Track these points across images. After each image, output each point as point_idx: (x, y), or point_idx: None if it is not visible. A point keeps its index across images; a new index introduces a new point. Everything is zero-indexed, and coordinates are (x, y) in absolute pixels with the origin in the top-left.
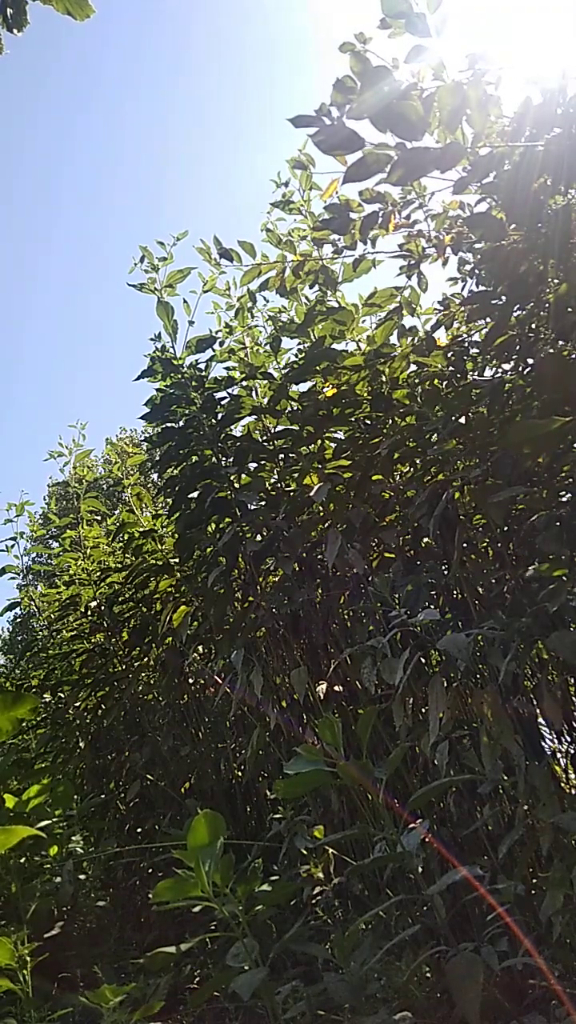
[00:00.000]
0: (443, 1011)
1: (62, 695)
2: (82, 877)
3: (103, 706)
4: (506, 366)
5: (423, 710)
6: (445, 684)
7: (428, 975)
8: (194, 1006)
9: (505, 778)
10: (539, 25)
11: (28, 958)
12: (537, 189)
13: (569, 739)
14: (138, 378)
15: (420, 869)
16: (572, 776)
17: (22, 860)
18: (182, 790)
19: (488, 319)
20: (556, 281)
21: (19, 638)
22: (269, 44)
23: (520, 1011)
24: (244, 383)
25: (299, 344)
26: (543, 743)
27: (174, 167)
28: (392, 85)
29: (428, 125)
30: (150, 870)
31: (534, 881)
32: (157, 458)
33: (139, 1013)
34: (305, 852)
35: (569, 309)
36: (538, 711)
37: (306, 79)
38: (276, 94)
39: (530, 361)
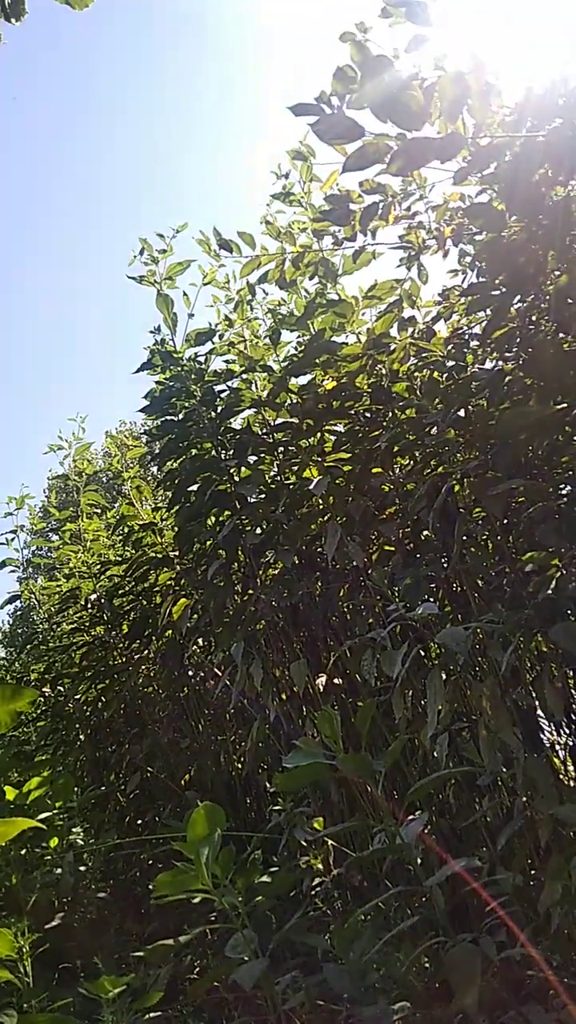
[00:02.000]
0: (442, 1002)
1: (62, 688)
2: (82, 869)
3: (103, 699)
4: (507, 356)
5: (422, 703)
6: (444, 677)
7: (427, 966)
8: (194, 997)
9: (504, 770)
10: (542, 14)
11: (28, 949)
12: (538, 180)
13: (568, 731)
14: (138, 371)
15: (419, 861)
16: (571, 768)
17: (23, 851)
18: (182, 782)
19: (488, 311)
20: (557, 272)
21: (19, 631)
22: (266, 33)
23: (519, 1002)
24: (244, 376)
25: (299, 337)
26: (542, 735)
27: (172, 157)
28: (393, 75)
29: (429, 115)
30: (150, 862)
31: (532, 872)
32: (157, 451)
33: (139, 1003)
34: (305, 844)
35: (569, 300)
36: (537, 703)
37: (303, 69)
38: (273, 84)
39: (531, 352)
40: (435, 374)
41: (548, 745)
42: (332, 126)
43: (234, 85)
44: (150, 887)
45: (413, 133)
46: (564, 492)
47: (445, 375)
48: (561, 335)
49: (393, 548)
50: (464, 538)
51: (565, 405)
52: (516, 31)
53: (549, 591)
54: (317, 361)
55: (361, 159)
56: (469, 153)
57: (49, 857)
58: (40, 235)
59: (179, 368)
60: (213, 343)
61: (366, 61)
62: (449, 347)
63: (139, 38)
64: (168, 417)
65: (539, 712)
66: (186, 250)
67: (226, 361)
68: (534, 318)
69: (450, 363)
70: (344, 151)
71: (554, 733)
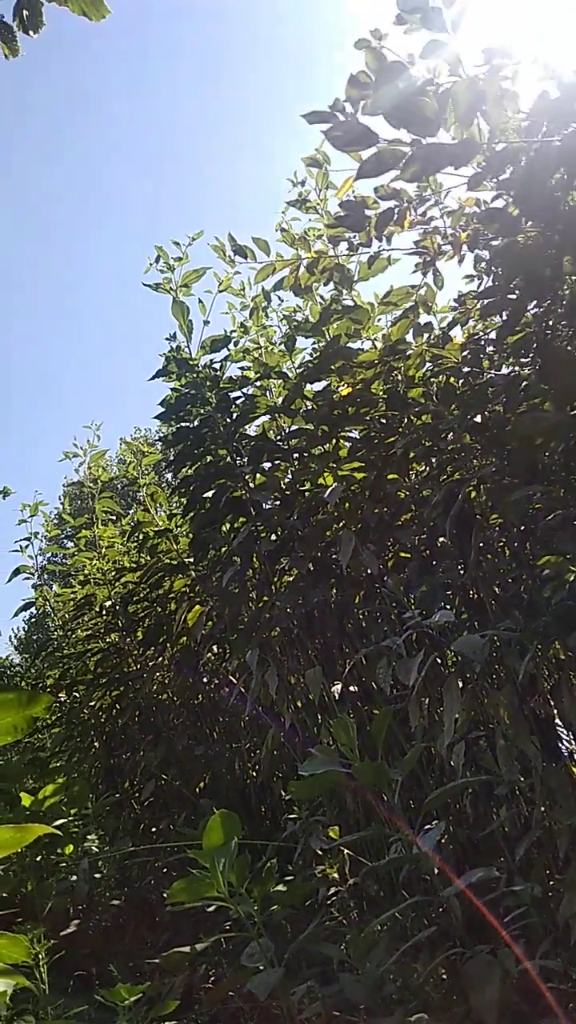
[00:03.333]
0: (460, 1013)
1: (77, 694)
2: (97, 876)
3: (118, 705)
4: (523, 361)
5: (439, 711)
6: (461, 685)
7: (444, 977)
8: (209, 1006)
9: (522, 780)
10: (556, 18)
11: (44, 956)
12: (553, 185)
13: None
14: (153, 377)
15: (436, 871)
16: None
17: (38, 858)
18: (196, 790)
19: (503, 315)
20: (573, 278)
21: (34, 637)
22: (280, 41)
23: (538, 1014)
24: (259, 383)
25: (314, 343)
26: (560, 744)
27: (188, 165)
28: (407, 81)
29: (443, 121)
30: (165, 869)
31: (552, 883)
32: (172, 458)
33: (154, 1012)
34: (320, 853)
35: None
36: (555, 712)
37: (317, 77)
38: (286, 91)
39: (545, 356)
40: (451, 380)
41: (567, 754)
42: (346, 133)
43: (251, 91)
44: (164, 895)
45: (427, 139)
46: None
47: (461, 381)
48: None
49: (409, 555)
50: (481, 545)
51: None
52: (531, 35)
53: (565, 597)
54: (332, 367)
55: (376, 165)
56: (484, 158)
57: (64, 864)
58: (56, 243)
59: (194, 375)
60: (228, 350)
61: (381, 67)
62: (465, 353)
63: (149, 45)
64: (183, 424)
65: (557, 721)
66: (202, 258)
67: (241, 368)
68: (550, 323)
69: (466, 369)
70: (359, 157)
71: (573, 742)
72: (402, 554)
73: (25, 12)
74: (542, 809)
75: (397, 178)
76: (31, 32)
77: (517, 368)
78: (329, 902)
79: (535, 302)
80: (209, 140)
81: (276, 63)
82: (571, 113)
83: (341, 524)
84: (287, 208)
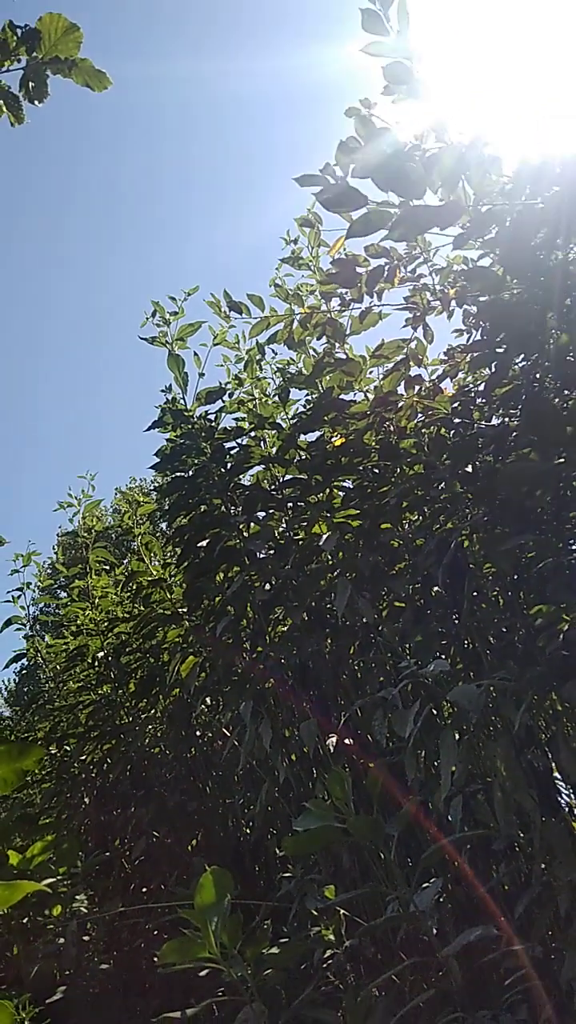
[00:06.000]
0: None
1: (68, 748)
2: (85, 939)
3: (109, 760)
4: (512, 412)
5: (435, 763)
6: (457, 736)
7: None
8: None
9: (521, 834)
10: (539, 87)
11: (29, 1023)
12: (536, 245)
13: None
14: (149, 429)
15: (435, 930)
16: None
17: (24, 920)
18: (189, 847)
19: (491, 368)
20: (557, 332)
21: (25, 689)
22: (271, 109)
23: None
24: (253, 433)
25: (307, 395)
26: (559, 798)
27: (183, 218)
28: (394, 146)
29: (430, 184)
30: (155, 932)
31: (553, 944)
32: (167, 507)
33: None
34: (315, 913)
35: (570, 357)
36: (553, 764)
37: (308, 141)
38: (280, 151)
39: (530, 407)
40: (442, 430)
41: (566, 808)
42: (336, 195)
43: (244, 154)
44: (155, 959)
45: (414, 201)
46: (574, 547)
47: (452, 431)
48: (566, 392)
49: (403, 604)
50: (474, 593)
51: (563, 459)
52: (514, 104)
53: (559, 646)
54: (326, 418)
55: (365, 226)
56: (469, 219)
57: (52, 926)
58: (50, 296)
59: (190, 426)
60: (223, 401)
61: (369, 134)
62: (455, 404)
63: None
64: (178, 474)
65: (556, 774)
66: (197, 312)
67: (236, 419)
68: (538, 375)
69: (456, 420)
70: (349, 217)
71: (572, 796)
72: (396, 603)
73: (31, 83)
74: (542, 865)
75: (386, 238)
76: (36, 102)
77: (507, 419)
78: (325, 965)
79: (522, 355)
80: (202, 196)
81: (267, 126)
82: (552, 177)
83: (336, 573)
84: (280, 265)
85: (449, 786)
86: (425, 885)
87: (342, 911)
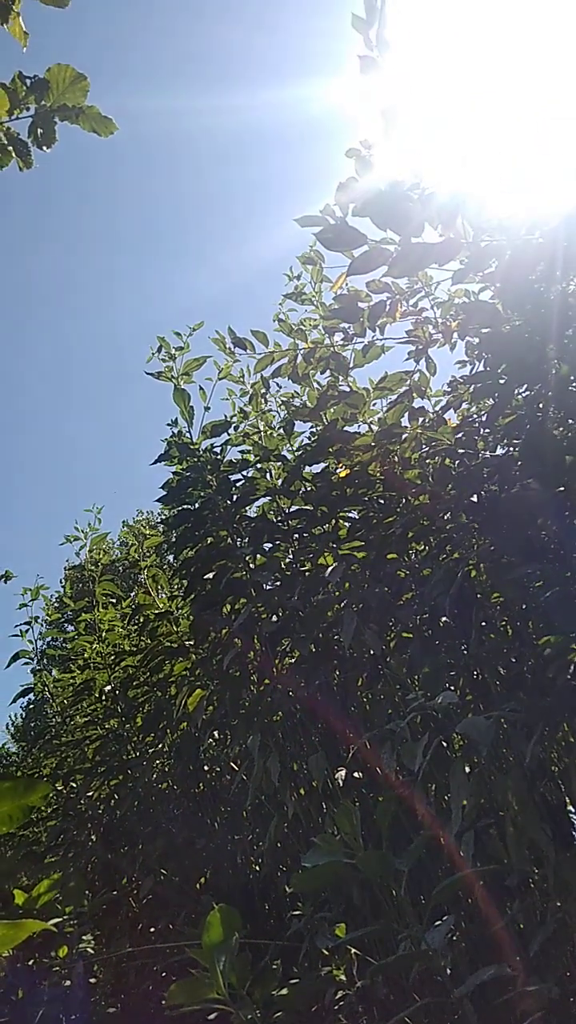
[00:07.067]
0: None
1: (74, 784)
2: (92, 981)
3: (116, 795)
4: (515, 442)
5: (446, 797)
6: (467, 770)
7: None
8: None
9: (535, 870)
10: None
11: None
12: (534, 279)
13: None
14: (155, 462)
15: (448, 970)
16: None
17: (30, 961)
18: (197, 885)
19: (494, 398)
20: (558, 362)
21: (32, 724)
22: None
23: None
24: (259, 465)
25: (312, 427)
26: (573, 832)
27: (188, 251)
28: (392, 186)
29: (429, 221)
30: (163, 973)
31: (569, 984)
32: (173, 539)
33: None
34: (326, 952)
35: (572, 388)
36: (567, 798)
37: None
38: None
39: (530, 437)
40: (447, 461)
41: None
42: (336, 235)
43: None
44: (163, 1001)
45: (413, 238)
46: None
47: (456, 462)
48: (570, 420)
49: (411, 635)
50: (482, 623)
51: (563, 488)
52: (512, 148)
53: (569, 677)
54: (330, 450)
55: (365, 263)
56: (468, 254)
57: (57, 968)
58: (56, 331)
59: (195, 459)
60: (229, 434)
61: (367, 174)
62: (459, 435)
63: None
64: (185, 506)
65: (569, 807)
66: (201, 347)
67: (241, 451)
68: (540, 405)
69: (461, 450)
70: (351, 254)
71: None
72: (404, 634)
73: (40, 130)
74: (557, 903)
75: (386, 275)
76: (44, 147)
77: (510, 449)
78: (337, 1007)
79: (524, 386)
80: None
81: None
82: (550, 215)
83: (342, 604)
84: (284, 300)
85: (460, 820)
86: (437, 923)
87: (353, 950)
